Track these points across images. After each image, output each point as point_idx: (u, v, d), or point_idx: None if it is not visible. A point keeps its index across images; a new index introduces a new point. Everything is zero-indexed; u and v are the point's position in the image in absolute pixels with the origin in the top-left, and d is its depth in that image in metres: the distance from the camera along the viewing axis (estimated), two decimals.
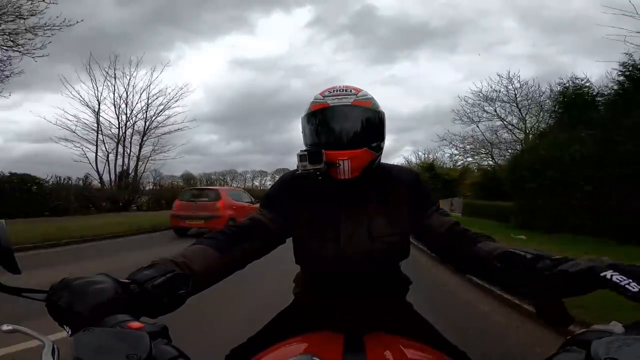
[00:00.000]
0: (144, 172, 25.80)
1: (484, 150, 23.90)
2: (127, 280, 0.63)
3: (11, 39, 11.51)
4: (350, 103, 0.94)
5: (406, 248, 1.00)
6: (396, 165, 1.07)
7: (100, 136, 22.99)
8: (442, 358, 0.82)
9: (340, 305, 0.96)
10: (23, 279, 0.60)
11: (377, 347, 0.81)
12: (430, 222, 0.96)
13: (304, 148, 0.98)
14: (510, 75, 21.41)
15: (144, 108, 24.33)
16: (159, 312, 0.65)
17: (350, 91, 0.97)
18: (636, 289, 0.55)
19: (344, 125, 0.94)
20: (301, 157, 0.92)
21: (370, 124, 0.95)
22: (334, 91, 0.97)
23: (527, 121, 21.69)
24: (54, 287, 0.58)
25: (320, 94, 0.99)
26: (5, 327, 0.51)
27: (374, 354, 0.78)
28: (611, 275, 0.57)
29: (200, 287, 0.77)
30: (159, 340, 0.50)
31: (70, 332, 0.53)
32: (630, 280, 0.56)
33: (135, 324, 0.51)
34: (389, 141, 1.01)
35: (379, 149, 0.97)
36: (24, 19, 11.10)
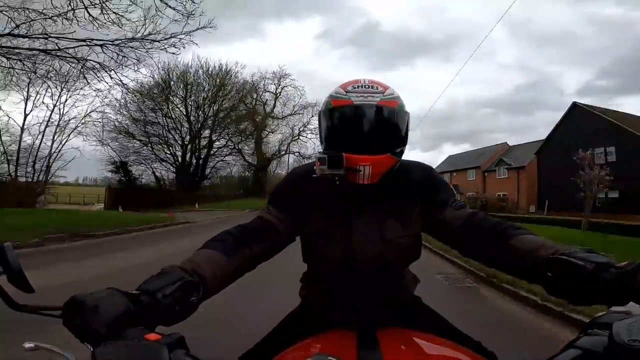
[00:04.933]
0: None
1: None
2: (136, 292, 0.63)
3: None
4: (376, 103, 0.87)
5: (418, 249, 0.97)
6: (408, 160, 1.00)
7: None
8: (456, 348, 0.82)
9: (350, 303, 0.94)
10: None
11: (391, 341, 0.81)
12: (443, 217, 0.91)
13: (320, 145, 0.94)
14: None
15: None
16: (173, 321, 0.65)
17: (377, 88, 0.89)
18: None
19: (368, 128, 0.87)
20: (320, 160, 0.85)
21: (396, 128, 0.89)
22: (358, 87, 0.89)
23: None
24: (67, 305, 0.57)
25: (342, 87, 0.91)
26: (27, 345, 0.51)
27: (389, 349, 0.78)
28: None
29: (210, 293, 0.76)
30: (177, 351, 0.50)
31: (91, 349, 0.52)
32: None
33: (153, 336, 0.51)
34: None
35: (401, 153, 0.92)
36: None
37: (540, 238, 0.78)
